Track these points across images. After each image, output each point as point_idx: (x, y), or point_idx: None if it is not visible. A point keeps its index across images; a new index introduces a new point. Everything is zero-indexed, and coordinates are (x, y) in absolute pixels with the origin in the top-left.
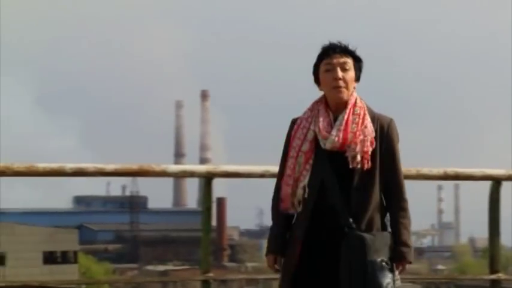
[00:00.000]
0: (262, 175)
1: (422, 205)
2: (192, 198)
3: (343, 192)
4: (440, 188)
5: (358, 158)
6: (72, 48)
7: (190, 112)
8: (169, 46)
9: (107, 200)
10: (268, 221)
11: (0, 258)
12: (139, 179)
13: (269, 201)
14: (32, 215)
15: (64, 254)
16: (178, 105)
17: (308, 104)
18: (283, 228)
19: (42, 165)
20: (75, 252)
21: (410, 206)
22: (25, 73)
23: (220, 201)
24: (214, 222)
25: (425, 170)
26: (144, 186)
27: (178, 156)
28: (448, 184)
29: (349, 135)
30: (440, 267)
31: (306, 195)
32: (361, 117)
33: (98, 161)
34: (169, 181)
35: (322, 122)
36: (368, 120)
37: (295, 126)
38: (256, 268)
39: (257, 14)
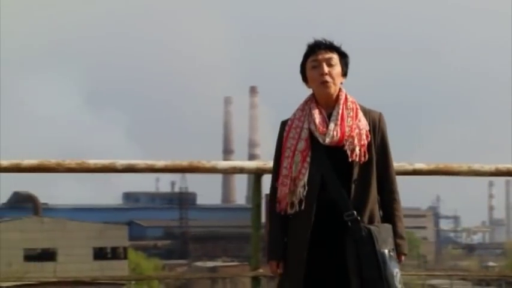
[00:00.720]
0: None
1: (473, 202)
2: (240, 195)
3: (343, 187)
4: (491, 184)
5: (357, 151)
6: (121, 45)
7: (239, 108)
8: (219, 43)
9: (156, 196)
10: None
11: (52, 254)
12: (188, 176)
13: None
14: (82, 211)
15: (114, 250)
16: (227, 102)
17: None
18: (281, 231)
19: (93, 161)
20: (125, 248)
21: (462, 203)
22: (74, 69)
23: None
24: (263, 219)
25: (477, 166)
26: (192, 183)
27: (227, 152)
28: (499, 180)
29: (346, 129)
30: (491, 264)
31: (304, 193)
32: (354, 111)
33: (146, 158)
34: (218, 178)
35: (317, 119)
36: (361, 114)
37: (287, 128)
38: None
39: (307, 11)
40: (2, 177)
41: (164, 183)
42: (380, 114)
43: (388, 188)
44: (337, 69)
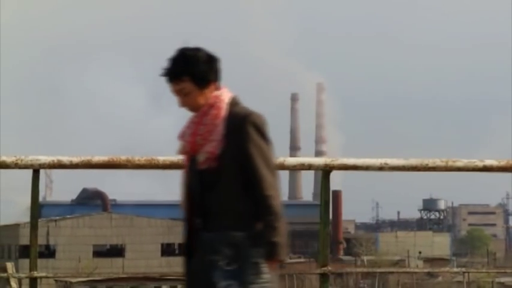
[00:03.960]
0: (380, 168)
1: None
2: (307, 191)
3: (199, 193)
4: None
5: (202, 158)
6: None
7: (306, 105)
8: (287, 39)
9: None
10: (384, 215)
11: (120, 250)
12: None
13: (385, 194)
14: (150, 207)
15: (181, 246)
16: (294, 98)
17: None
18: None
19: (162, 158)
20: None
21: None
22: (141, 67)
23: (336, 194)
24: (330, 215)
25: None
26: None
27: (294, 149)
28: None
29: (197, 138)
30: None
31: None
32: (212, 117)
33: None
34: (284, 174)
35: (182, 129)
36: (220, 120)
37: None
38: (372, 261)
39: (381, 10)
40: (68, 174)
41: None
42: (246, 116)
43: (256, 192)
44: (192, 95)
